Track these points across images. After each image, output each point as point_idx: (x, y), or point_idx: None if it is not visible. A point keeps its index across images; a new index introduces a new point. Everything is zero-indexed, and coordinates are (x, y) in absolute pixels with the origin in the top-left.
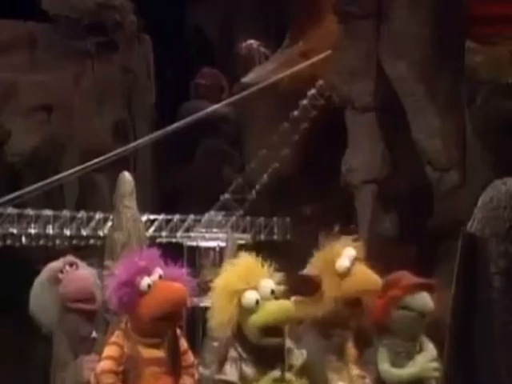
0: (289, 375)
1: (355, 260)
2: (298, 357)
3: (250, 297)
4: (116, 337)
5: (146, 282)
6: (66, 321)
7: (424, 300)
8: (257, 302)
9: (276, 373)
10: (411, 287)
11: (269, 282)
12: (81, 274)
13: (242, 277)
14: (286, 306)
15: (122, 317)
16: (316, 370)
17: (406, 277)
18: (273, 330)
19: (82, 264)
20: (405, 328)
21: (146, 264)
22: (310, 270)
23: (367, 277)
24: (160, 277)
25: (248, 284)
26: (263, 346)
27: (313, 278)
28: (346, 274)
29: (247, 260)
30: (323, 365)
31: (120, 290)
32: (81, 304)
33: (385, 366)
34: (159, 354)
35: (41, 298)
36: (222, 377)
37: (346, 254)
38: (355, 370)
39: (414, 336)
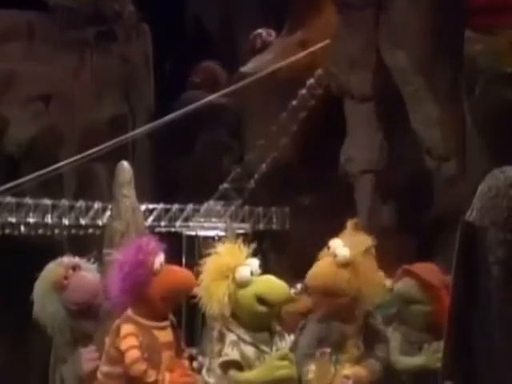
0: (291, 354)
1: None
2: (288, 341)
3: (245, 269)
4: (126, 329)
5: (159, 261)
6: (72, 322)
7: (400, 287)
8: (251, 273)
9: (281, 350)
10: (398, 274)
11: (254, 259)
12: (85, 278)
13: (231, 256)
14: (279, 282)
15: (120, 307)
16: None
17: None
18: (271, 301)
19: (82, 263)
20: (402, 317)
21: (152, 247)
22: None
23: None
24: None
25: (239, 261)
26: (260, 315)
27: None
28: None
29: (227, 245)
30: (308, 351)
31: (135, 271)
32: (87, 306)
33: (394, 355)
34: (170, 337)
35: (46, 305)
36: (224, 358)
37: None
38: (345, 370)
39: (419, 326)
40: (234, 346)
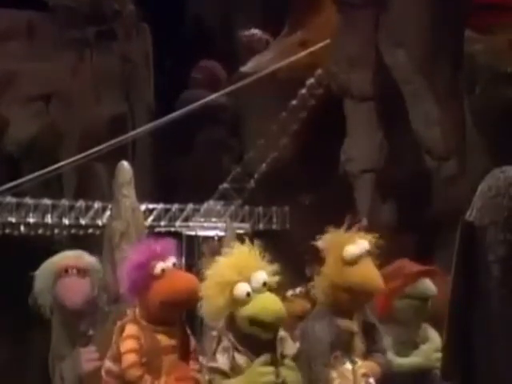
0: (280, 360)
1: (366, 254)
2: (292, 347)
3: (242, 289)
4: (129, 330)
5: (160, 266)
6: (62, 315)
7: (425, 286)
8: (248, 294)
9: (265, 357)
10: (412, 276)
11: (261, 273)
12: (78, 287)
13: (235, 268)
14: (274, 303)
15: (121, 309)
16: (310, 363)
17: (407, 266)
18: (263, 322)
19: (91, 265)
20: (408, 317)
21: (161, 250)
22: (319, 244)
23: (371, 274)
24: (174, 265)
25: (240, 275)
26: (254, 337)
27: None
28: (352, 262)
29: (241, 251)
30: (324, 360)
31: (134, 273)
32: (76, 311)
33: (388, 356)
34: (174, 341)
35: (42, 284)
36: (214, 364)
37: (358, 244)
38: (362, 369)
39: (418, 324)
40: (226, 352)
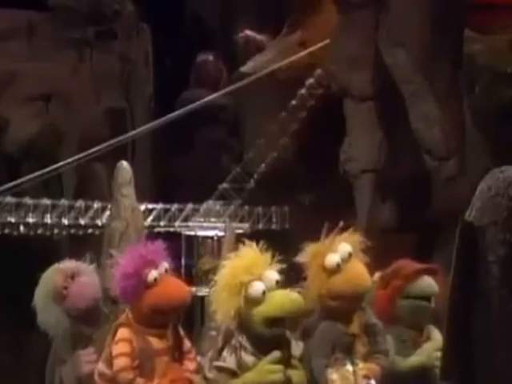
0: (291, 359)
1: (350, 256)
2: (296, 348)
3: (257, 287)
4: (121, 333)
5: (153, 275)
6: (73, 326)
7: (426, 284)
8: (263, 292)
9: (276, 353)
10: (413, 274)
11: (273, 272)
12: (85, 285)
13: (247, 268)
14: (295, 296)
15: (120, 309)
16: (310, 360)
17: (408, 265)
18: (278, 320)
19: (81, 267)
20: (411, 316)
21: (153, 257)
22: (300, 258)
23: (357, 277)
24: (166, 270)
25: (253, 275)
26: (267, 336)
27: (301, 266)
28: (334, 270)
29: (249, 251)
30: (325, 360)
31: (126, 281)
32: (88, 311)
33: (390, 356)
34: (167, 343)
35: (49, 315)
36: (221, 364)
37: (339, 250)
38: (363, 371)
39: (421, 324)
40: (233, 352)
